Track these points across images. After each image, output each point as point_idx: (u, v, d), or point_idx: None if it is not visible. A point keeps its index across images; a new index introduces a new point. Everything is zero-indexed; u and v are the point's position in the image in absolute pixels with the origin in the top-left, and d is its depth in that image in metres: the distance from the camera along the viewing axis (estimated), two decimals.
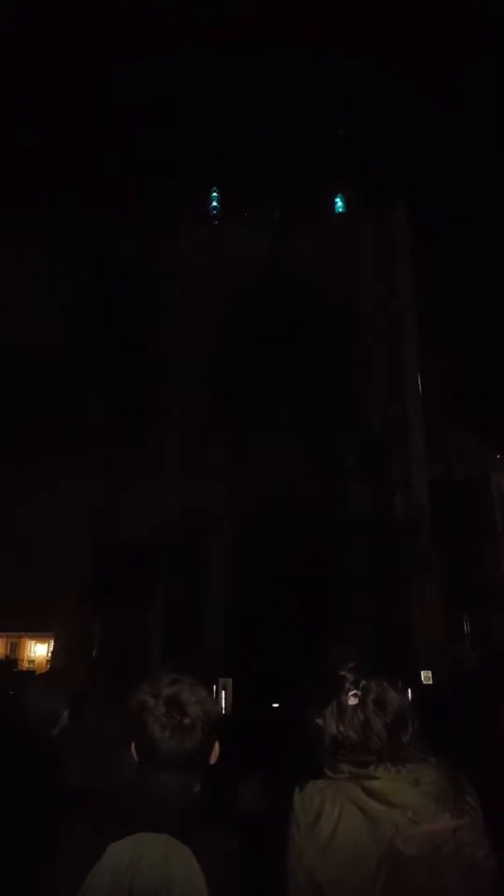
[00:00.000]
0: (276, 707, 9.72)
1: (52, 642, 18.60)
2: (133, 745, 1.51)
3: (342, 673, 1.63)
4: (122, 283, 17.98)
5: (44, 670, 16.86)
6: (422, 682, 10.60)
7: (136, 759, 1.50)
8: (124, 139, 19.86)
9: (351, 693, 1.58)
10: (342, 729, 1.55)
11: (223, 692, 11.50)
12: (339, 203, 19.24)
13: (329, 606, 15.20)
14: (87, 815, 1.49)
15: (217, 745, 1.55)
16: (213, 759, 1.54)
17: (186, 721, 1.45)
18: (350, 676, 1.61)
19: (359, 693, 1.58)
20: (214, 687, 12.36)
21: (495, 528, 19.79)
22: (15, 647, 19.61)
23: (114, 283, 17.98)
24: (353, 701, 1.57)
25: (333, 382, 18.52)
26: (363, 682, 1.59)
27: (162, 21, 18.74)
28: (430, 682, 10.70)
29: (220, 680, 11.79)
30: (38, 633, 19.41)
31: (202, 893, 1.31)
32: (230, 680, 12.06)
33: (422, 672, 11.33)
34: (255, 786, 3.31)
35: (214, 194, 19.65)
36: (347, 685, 1.60)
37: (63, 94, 18.70)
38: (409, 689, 1.68)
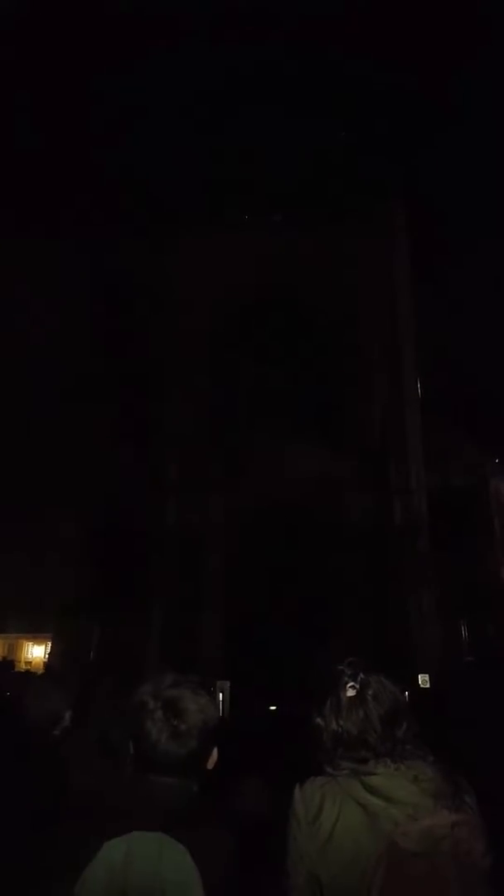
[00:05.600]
0: (273, 710, 9.74)
1: (49, 644, 18.56)
2: (131, 744, 1.51)
3: (340, 667, 1.65)
4: (119, 289, 17.98)
5: (40, 672, 16.82)
6: (419, 685, 10.62)
7: (133, 757, 1.50)
8: (121, 141, 19.76)
9: (349, 685, 1.60)
10: (341, 723, 1.57)
11: (220, 695, 11.49)
12: (338, 208, 19.20)
13: (328, 609, 15.20)
14: (85, 815, 1.49)
15: (215, 752, 1.54)
16: (210, 765, 1.53)
17: (183, 727, 1.45)
18: (348, 670, 1.64)
19: (356, 686, 1.60)
20: (212, 689, 12.36)
21: (494, 534, 19.80)
22: (12, 649, 19.55)
23: (110, 289, 17.95)
24: (350, 693, 1.59)
25: (332, 389, 18.54)
26: (361, 675, 1.62)
27: (155, 23, 18.63)
28: (428, 685, 10.71)
29: (218, 683, 11.78)
30: (36, 634, 19.38)
31: (195, 892, 1.31)
32: (228, 683, 12.06)
33: (419, 676, 11.34)
34: (256, 787, 3.33)
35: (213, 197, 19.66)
36: (345, 679, 1.62)
37: (55, 96, 18.63)
38: (407, 693, 1.70)
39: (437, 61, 19.29)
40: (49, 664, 17.32)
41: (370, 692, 1.58)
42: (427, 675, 11.04)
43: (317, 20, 18.38)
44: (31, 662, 18.91)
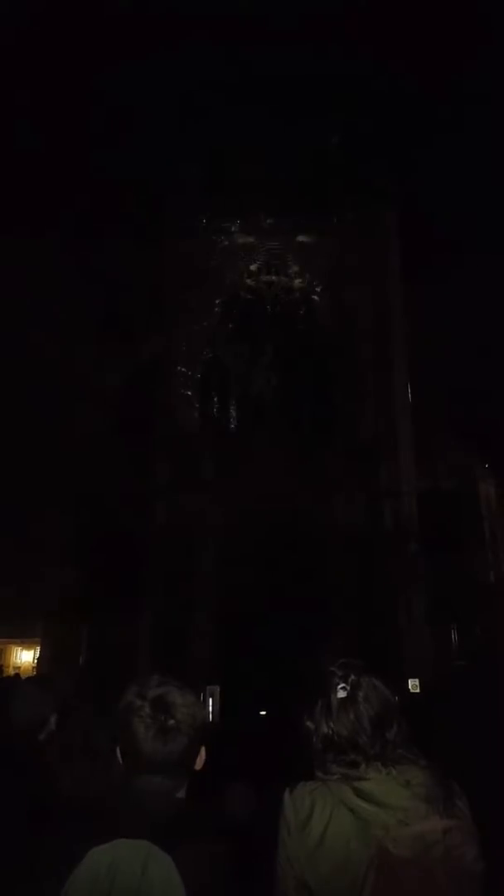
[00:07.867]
0: (263, 715, 9.69)
1: (38, 648, 18.43)
2: (118, 748, 1.48)
3: (331, 669, 1.63)
4: (116, 289, 18.00)
5: (29, 676, 16.67)
6: (409, 690, 10.61)
7: (121, 761, 1.47)
8: (121, 141, 19.79)
9: (339, 686, 1.58)
10: (332, 725, 1.54)
11: (210, 699, 11.45)
12: (334, 209, 19.28)
13: (319, 612, 15.19)
14: (71, 820, 1.46)
15: (203, 751, 1.53)
16: (199, 765, 1.51)
17: (171, 723, 1.43)
18: (339, 672, 1.61)
19: (347, 687, 1.58)
20: (202, 694, 12.30)
21: (483, 538, 19.87)
22: (0, 654, 19.43)
23: (108, 289, 17.96)
24: (341, 694, 1.57)
25: (324, 392, 18.61)
26: (352, 677, 1.59)
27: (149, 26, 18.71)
28: (418, 690, 10.71)
29: (208, 687, 11.73)
30: (24, 639, 19.25)
31: None
32: (218, 687, 12.01)
33: (409, 680, 11.34)
34: (244, 791, 3.30)
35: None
36: (336, 680, 1.60)
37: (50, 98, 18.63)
38: (397, 697, 1.68)
39: (436, 62, 19.41)
40: (38, 668, 17.20)
41: (361, 694, 1.56)
42: (417, 680, 11.03)
43: (316, 20, 18.47)
44: (19, 667, 18.79)
